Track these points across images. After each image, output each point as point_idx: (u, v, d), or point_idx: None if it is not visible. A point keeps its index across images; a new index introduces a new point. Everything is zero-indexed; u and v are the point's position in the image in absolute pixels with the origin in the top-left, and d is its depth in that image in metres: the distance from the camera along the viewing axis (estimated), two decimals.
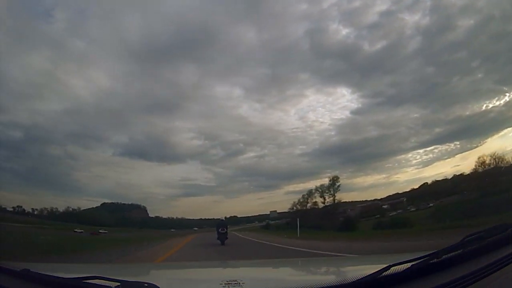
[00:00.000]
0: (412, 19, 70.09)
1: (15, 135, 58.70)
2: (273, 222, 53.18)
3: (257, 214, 73.78)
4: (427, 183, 40.34)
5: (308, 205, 44.28)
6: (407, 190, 41.43)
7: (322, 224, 32.64)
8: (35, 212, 45.40)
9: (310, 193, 43.54)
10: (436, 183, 38.23)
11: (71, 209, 47.75)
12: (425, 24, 58.41)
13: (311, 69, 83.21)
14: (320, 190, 41.59)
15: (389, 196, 42.18)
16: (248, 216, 73.47)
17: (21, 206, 43.49)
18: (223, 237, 14.34)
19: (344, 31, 78.77)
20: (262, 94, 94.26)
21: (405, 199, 37.91)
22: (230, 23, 76.97)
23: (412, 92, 64.02)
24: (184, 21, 70.78)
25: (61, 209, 47.24)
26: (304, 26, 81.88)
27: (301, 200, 45.15)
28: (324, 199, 41.11)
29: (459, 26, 56.07)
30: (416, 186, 41.65)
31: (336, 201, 40.19)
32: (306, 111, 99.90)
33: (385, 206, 38.67)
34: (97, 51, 76.52)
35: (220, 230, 14.64)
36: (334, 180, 40.93)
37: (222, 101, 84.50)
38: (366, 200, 41.97)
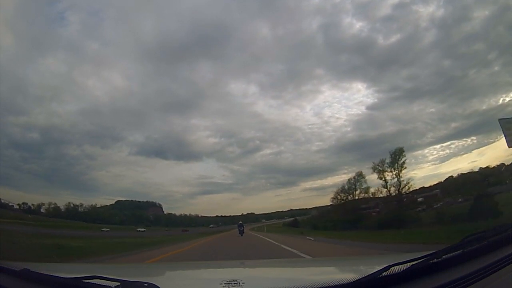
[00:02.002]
0: (427, 10, 70.02)
1: (33, 136, 62.50)
2: (300, 218, 51.70)
3: (275, 211, 75.01)
4: (452, 176, 38.29)
5: (357, 192, 33.75)
6: (425, 186, 39.70)
7: (395, 220, 21.42)
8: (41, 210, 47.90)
9: (360, 176, 33.58)
10: (463, 176, 36.42)
11: (72, 205, 50.44)
12: (440, 16, 57.88)
13: (326, 64, 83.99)
14: (379, 168, 30.00)
15: (415, 190, 40.34)
16: (266, 213, 74.70)
17: (27, 203, 46.65)
18: (242, 232, 27.84)
19: (358, 25, 79.15)
20: (278, 91, 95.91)
21: (439, 191, 36.70)
22: (244, 19, 77.75)
23: (429, 86, 64.64)
24: (198, 19, 71.63)
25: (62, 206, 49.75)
26: (317, 20, 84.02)
27: (346, 187, 34.62)
28: (386, 182, 29.48)
29: (474, 17, 54.90)
30: (433, 183, 40.25)
31: (406, 187, 27.97)
32: (322, 107, 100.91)
33: (419, 199, 36.52)
34: (112, 52, 79.97)
35: (239, 228, 28.88)
36: (398, 153, 28.96)
37: (238, 98, 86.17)
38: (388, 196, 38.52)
